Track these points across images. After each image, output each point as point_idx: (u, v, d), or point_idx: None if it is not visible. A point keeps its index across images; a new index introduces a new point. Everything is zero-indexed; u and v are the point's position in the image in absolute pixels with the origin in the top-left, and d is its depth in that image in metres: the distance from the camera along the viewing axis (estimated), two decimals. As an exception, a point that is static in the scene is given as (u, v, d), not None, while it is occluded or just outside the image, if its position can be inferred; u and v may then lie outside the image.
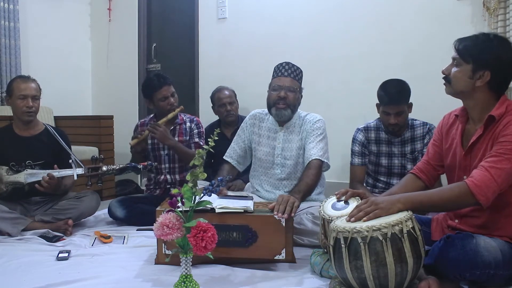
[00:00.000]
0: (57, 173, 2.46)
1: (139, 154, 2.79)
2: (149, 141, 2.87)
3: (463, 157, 1.64)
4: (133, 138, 2.72)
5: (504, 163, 1.47)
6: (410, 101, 2.43)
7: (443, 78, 1.65)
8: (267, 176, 2.40)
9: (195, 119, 2.94)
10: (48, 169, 2.48)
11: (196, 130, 2.89)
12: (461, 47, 1.59)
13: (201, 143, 2.83)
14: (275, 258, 1.81)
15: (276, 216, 1.80)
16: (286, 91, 2.26)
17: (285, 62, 2.33)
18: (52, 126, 2.75)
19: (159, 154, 2.86)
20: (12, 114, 2.66)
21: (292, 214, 1.83)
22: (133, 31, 4.49)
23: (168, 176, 2.87)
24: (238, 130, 2.53)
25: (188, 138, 2.88)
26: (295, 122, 2.37)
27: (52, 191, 2.48)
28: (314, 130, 2.30)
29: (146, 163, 2.54)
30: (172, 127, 2.86)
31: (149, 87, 2.83)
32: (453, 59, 1.62)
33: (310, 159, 2.20)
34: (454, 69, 1.61)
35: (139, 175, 4.22)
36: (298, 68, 2.33)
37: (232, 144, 2.51)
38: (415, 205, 1.52)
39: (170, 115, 2.75)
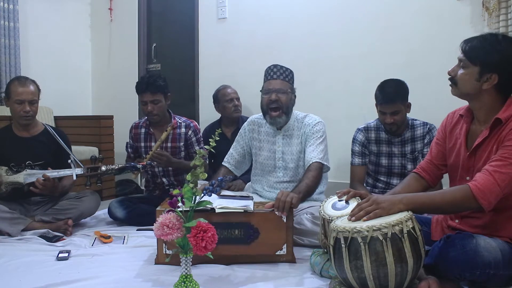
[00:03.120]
0: (56, 173, 2.46)
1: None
2: (142, 144, 2.85)
3: (467, 158, 1.63)
4: (134, 173, 2.63)
5: (508, 167, 1.46)
6: (408, 101, 2.43)
7: (449, 79, 1.63)
8: (269, 180, 2.41)
9: (191, 124, 2.85)
10: (47, 170, 2.48)
11: (195, 138, 2.82)
12: (468, 48, 1.56)
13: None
14: (276, 254, 1.82)
15: (277, 212, 1.82)
16: (276, 93, 2.26)
17: (273, 64, 2.33)
18: (51, 126, 2.74)
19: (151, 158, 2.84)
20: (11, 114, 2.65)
21: (292, 206, 1.84)
22: (133, 31, 4.49)
23: (164, 179, 2.86)
24: (237, 136, 2.53)
25: (181, 144, 2.81)
26: (293, 125, 2.37)
27: (49, 192, 2.48)
28: (314, 133, 2.30)
29: (145, 163, 2.54)
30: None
31: (136, 87, 2.81)
32: (460, 60, 1.60)
33: (311, 162, 2.20)
34: (460, 71, 1.59)
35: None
36: (287, 69, 2.33)
37: (230, 150, 2.52)
38: (417, 206, 1.52)
39: (163, 136, 2.70)
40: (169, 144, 2.81)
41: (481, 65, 1.53)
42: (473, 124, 1.66)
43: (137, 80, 4.34)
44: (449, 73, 1.63)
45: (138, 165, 2.50)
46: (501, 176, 1.46)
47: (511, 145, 1.48)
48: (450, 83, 1.63)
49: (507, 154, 1.48)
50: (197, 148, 2.78)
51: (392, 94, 2.37)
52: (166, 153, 2.67)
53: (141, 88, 2.75)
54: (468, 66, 1.56)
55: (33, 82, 2.58)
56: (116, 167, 2.51)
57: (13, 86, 2.53)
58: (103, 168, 2.48)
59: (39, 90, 2.60)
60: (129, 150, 2.89)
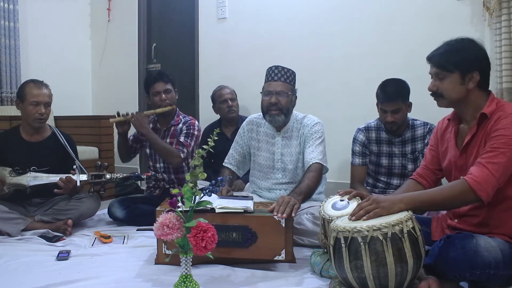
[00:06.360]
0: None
1: (122, 137, 2.79)
2: None
3: (458, 157, 1.66)
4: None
5: (499, 157, 1.49)
6: (409, 101, 2.44)
7: (432, 94, 1.67)
8: (268, 180, 2.40)
9: (189, 120, 2.86)
10: (51, 174, 2.48)
11: (185, 131, 2.81)
12: (439, 60, 1.62)
13: (181, 140, 2.74)
14: (275, 258, 1.81)
15: (275, 217, 1.80)
16: (276, 96, 2.26)
17: (275, 65, 2.32)
18: (59, 131, 2.72)
19: (154, 153, 2.86)
20: (12, 114, 2.65)
21: (293, 215, 1.83)
22: (133, 31, 4.49)
23: (165, 175, 2.86)
24: (236, 136, 2.53)
25: None
26: (293, 126, 2.36)
27: (69, 192, 2.50)
28: (312, 134, 2.30)
29: (150, 174, 2.57)
30: (165, 128, 2.85)
31: (146, 81, 2.91)
32: (435, 74, 1.64)
33: (311, 163, 2.20)
34: (441, 83, 1.62)
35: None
36: (289, 70, 2.31)
37: (230, 150, 2.51)
38: (417, 205, 1.53)
39: (158, 110, 2.75)
40: (168, 140, 2.81)
41: (459, 68, 1.58)
42: (460, 124, 1.70)
43: (137, 80, 4.45)
44: (430, 89, 1.67)
45: (142, 175, 2.53)
46: (494, 166, 1.48)
47: (498, 135, 1.51)
48: (435, 97, 1.67)
49: (495, 145, 1.51)
50: (181, 138, 2.78)
51: (394, 92, 2.38)
52: (143, 115, 2.70)
53: (153, 78, 2.83)
54: (446, 76, 1.60)
55: (48, 86, 2.60)
56: (120, 176, 2.52)
57: (28, 87, 2.53)
58: (108, 176, 2.49)
59: (51, 95, 2.61)
60: (130, 139, 2.91)
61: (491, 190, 1.48)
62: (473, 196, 1.49)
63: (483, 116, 1.58)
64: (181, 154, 2.68)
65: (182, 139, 2.77)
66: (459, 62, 1.58)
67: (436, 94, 1.65)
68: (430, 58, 1.66)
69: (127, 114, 2.70)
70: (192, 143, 2.78)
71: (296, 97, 2.36)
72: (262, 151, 2.41)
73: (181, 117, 2.90)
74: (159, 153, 2.75)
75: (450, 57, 1.59)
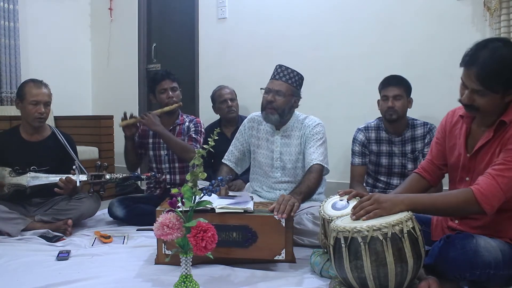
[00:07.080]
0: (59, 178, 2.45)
1: (131, 142, 2.77)
2: (150, 140, 2.86)
3: (468, 159, 1.62)
4: (122, 120, 2.69)
5: (511, 171, 1.46)
6: (410, 97, 2.47)
7: (466, 106, 1.55)
8: (267, 179, 2.41)
9: (195, 119, 2.91)
10: (51, 174, 2.48)
11: (194, 128, 2.84)
12: (485, 79, 1.45)
13: (194, 136, 2.79)
14: (275, 258, 1.81)
15: (276, 216, 1.80)
16: (274, 94, 2.26)
17: (279, 64, 2.32)
18: (59, 130, 2.72)
19: (159, 154, 2.86)
20: (12, 114, 2.65)
21: (292, 214, 1.83)
22: (133, 31, 4.49)
23: (168, 176, 2.87)
24: (237, 133, 2.53)
25: (186, 137, 2.85)
26: (293, 126, 2.36)
27: (70, 193, 2.50)
28: (314, 135, 2.29)
29: (149, 174, 2.56)
30: (171, 128, 2.86)
31: (152, 79, 2.92)
32: (474, 90, 1.48)
33: (311, 164, 2.20)
34: (479, 98, 1.50)
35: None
36: (293, 71, 2.30)
37: (230, 147, 2.51)
38: (418, 208, 1.52)
39: (166, 108, 2.76)
40: None
41: (504, 89, 1.47)
42: (473, 124, 1.64)
43: (137, 80, 4.45)
44: (464, 102, 1.54)
45: (142, 176, 2.52)
46: (504, 180, 1.45)
47: None
48: (468, 109, 1.55)
49: (510, 158, 1.47)
50: (192, 134, 2.81)
51: (397, 78, 2.47)
52: (153, 114, 2.70)
53: (159, 76, 2.85)
54: (488, 94, 1.48)
55: (47, 85, 2.60)
56: (120, 176, 2.52)
57: (28, 87, 2.53)
58: (107, 176, 2.48)
59: (51, 94, 2.61)
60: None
61: (496, 204, 1.46)
62: (476, 207, 1.46)
63: (501, 123, 1.53)
64: (196, 150, 2.69)
65: (193, 135, 2.81)
66: (503, 84, 1.46)
67: (471, 107, 1.53)
68: (475, 71, 1.46)
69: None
70: (201, 140, 2.82)
71: (297, 100, 2.35)
72: (261, 149, 2.41)
73: (184, 116, 2.93)
74: (175, 149, 2.74)
75: (498, 78, 1.44)
